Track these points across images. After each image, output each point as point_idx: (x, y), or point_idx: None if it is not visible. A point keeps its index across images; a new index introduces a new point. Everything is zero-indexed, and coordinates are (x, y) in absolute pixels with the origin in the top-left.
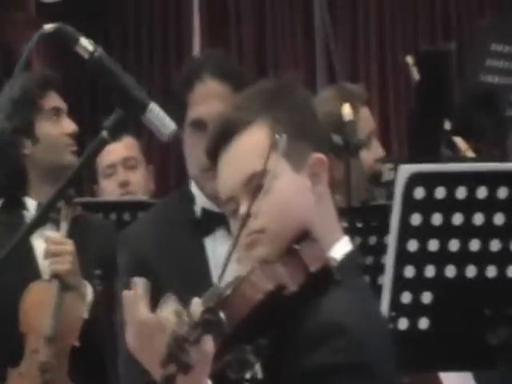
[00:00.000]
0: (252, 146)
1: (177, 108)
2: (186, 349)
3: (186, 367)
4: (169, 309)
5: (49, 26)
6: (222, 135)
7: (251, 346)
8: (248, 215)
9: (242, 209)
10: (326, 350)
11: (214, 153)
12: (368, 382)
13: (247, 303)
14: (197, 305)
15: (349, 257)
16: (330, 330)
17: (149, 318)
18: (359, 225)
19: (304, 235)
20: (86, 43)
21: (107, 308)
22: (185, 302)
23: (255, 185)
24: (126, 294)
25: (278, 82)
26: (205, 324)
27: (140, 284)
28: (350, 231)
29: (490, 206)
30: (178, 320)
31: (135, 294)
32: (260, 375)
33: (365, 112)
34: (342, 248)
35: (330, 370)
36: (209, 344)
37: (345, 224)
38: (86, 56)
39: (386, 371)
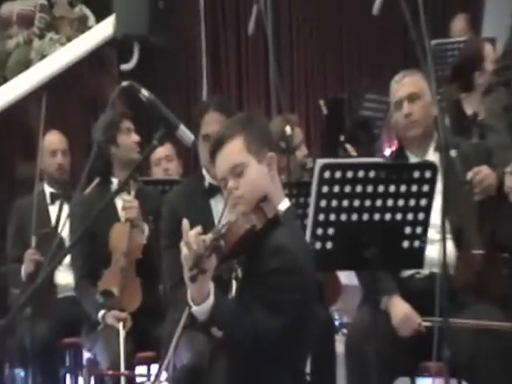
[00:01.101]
0: (234, 149)
1: (194, 128)
2: (202, 260)
3: (203, 271)
4: (193, 233)
5: (124, 83)
6: (217, 143)
7: (236, 259)
8: (233, 188)
9: (229, 184)
10: (277, 259)
11: (213, 153)
12: (300, 276)
13: (235, 235)
14: (207, 237)
15: (288, 210)
16: (279, 248)
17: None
18: (294, 192)
19: (264, 198)
20: (144, 92)
21: (156, 238)
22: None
23: (236, 171)
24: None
25: (249, 113)
26: (212, 247)
27: (186, 223)
28: (289, 196)
29: (365, 181)
30: (197, 244)
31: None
32: (240, 275)
33: (298, 130)
34: (284, 205)
35: (279, 270)
36: (214, 259)
37: (286, 192)
38: (145, 99)
39: (310, 271)
